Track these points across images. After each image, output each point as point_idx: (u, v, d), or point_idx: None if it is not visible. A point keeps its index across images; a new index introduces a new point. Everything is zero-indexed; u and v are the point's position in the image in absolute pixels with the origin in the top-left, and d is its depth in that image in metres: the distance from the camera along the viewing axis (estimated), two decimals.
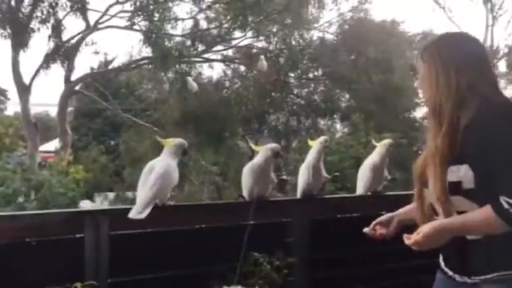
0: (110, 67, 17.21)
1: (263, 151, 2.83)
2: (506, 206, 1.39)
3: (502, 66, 19.90)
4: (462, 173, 1.51)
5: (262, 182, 2.79)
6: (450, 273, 1.65)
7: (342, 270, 2.92)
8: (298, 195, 3.05)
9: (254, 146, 3.05)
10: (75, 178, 11.33)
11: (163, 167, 2.48)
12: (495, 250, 1.51)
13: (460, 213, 1.53)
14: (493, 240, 1.50)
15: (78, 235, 2.36)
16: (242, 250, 2.53)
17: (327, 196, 3.31)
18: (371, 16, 15.58)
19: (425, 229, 1.51)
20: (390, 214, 1.90)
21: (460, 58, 1.58)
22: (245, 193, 2.82)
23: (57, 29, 13.31)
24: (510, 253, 1.50)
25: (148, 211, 2.33)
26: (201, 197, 13.50)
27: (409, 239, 1.53)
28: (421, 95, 1.78)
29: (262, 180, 2.78)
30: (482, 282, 1.54)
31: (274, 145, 2.96)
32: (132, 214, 2.32)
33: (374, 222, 1.88)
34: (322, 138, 3.07)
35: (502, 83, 19.62)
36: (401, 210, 1.91)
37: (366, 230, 1.89)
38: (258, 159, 2.83)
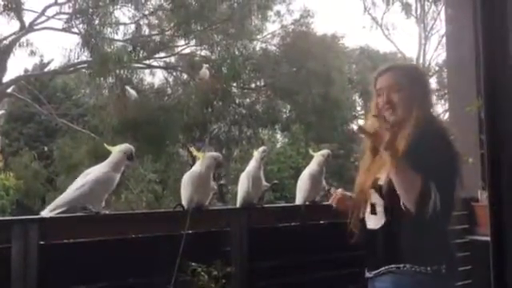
0: (45, 70, 16.54)
1: (204, 159, 2.80)
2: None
3: (432, 83, 20.98)
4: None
5: (202, 191, 2.76)
6: (366, 273, 1.97)
7: (280, 279, 2.94)
8: (238, 204, 3.05)
9: (195, 152, 3.01)
10: (5, 185, 10.76)
11: (97, 174, 2.41)
12: (384, 247, 1.86)
13: (372, 205, 1.91)
14: (383, 239, 1.86)
15: (4, 245, 2.23)
16: (177, 260, 2.49)
17: (266, 205, 3.33)
18: (313, 30, 15.96)
19: (339, 191, 2.06)
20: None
21: (424, 86, 1.99)
22: (184, 201, 2.78)
23: None
24: (394, 248, 1.82)
25: (58, 211, 2.28)
26: (139, 205, 13.20)
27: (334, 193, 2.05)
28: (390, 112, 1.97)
29: (202, 188, 2.76)
30: (374, 275, 1.90)
31: (215, 154, 2.94)
32: (43, 212, 2.29)
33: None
34: (261, 148, 3.10)
35: (433, 99, 20.64)
36: None
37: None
38: (198, 167, 2.81)
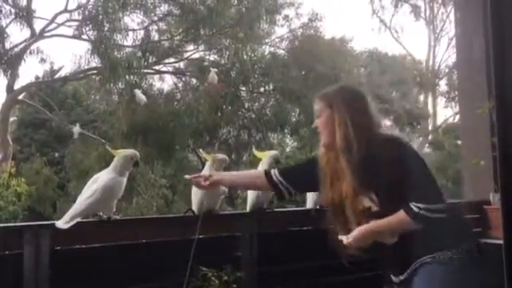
0: (56, 76, 16.70)
1: (212, 163, 2.79)
2: (415, 209, 1.82)
3: (442, 85, 20.87)
4: (372, 198, 1.93)
5: (212, 196, 2.76)
6: (393, 278, 2.03)
7: (291, 284, 2.92)
8: (248, 208, 3.04)
9: (205, 154, 2.99)
10: (17, 192, 10.85)
11: (105, 180, 2.40)
12: (408, 249, 1.91)
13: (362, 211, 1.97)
14: (404, 242, 1.91)
15: (15, 251, 2.24)
16: (188, 265, 2.49)
17: (277, 209, 3.32)
18: (321, 33, 15.95)
19: (354, 232, 1.94)
20: (212, 172, 2.49)
21: (359, 105, 2.01)
22: (194, 206, 2.78)
23: None
24: (415, 247, 1.89)
25: (73, 223, 2.27)
26: (149, 211, 13.23)
27: (347, 239, 1.94)
28: (322, 135, 2.10)
29: (212, 193, 2.75)
30: (407, 275, 1.93)
31: (222, 156, 2.92)
32: (58, 224, 2.26)
33: (196, 174, 2.41)
34: (272, 152, 3.05)
35: (442, 101, 20.55)
36: (227, 175, 2.54)
37: (187, 176, 2.42)
38: (207, 171, 2.80)
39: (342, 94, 2.07)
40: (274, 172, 2.29)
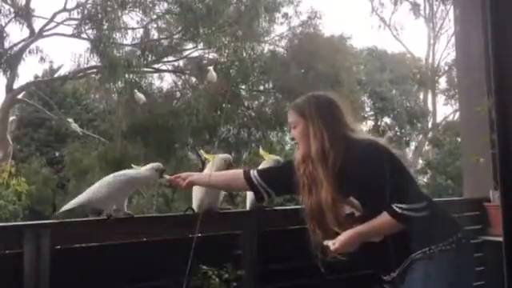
0: (55, 76, 16.69)
1: (214, 162, 2.79)
2: (398, 210, 1.85)
3: (442, 83, 20.89)
4: (353, 203, 1.94)
5: (212, 194, 2.76)
6: (384, 277, 2.03)
7: (291, 282, 2.93)
8: (248, 207, 3.04)
9: (205, 155, 3.00)
10: (17, 191, 10.85)
11: (117, 179, 2.43)
12: (396, 247, 1.90)
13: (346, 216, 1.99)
14: (391, 240, 1.90)
15: (16, 250, 2.24)
16: (188, 263, 2.49)
17: (277, 208, 3.32)
18: (320, 31, 15.95)
19: (341, 237, 1.93)
20: (189, 173, 2.48)
21: (333, 113, 2.01)
22: (194, 204, 2.78)
23: None
24: (404, 245, 1.90)
25: (71, 207, 2.34)
26: (149, 210, 13.24)
27: (333, 244, 1.93)
28: (299, 145, 2.10)
29: (212, 191, 2.75)
30: (399, 272, 1.95)
31: (225, 155, 2.91)
32: (62, 209, 2.36)
33: (176, 175, 2.42)
34: (276, 157, 3.02)
35: (442, 99, 20.56)
36: (204, 175, 2.50)
37: (166, 177, 2.46)
38: (208, 170, 2.80)
39: (315, 103, 2.06)
40: (253, 173, 2.28)
